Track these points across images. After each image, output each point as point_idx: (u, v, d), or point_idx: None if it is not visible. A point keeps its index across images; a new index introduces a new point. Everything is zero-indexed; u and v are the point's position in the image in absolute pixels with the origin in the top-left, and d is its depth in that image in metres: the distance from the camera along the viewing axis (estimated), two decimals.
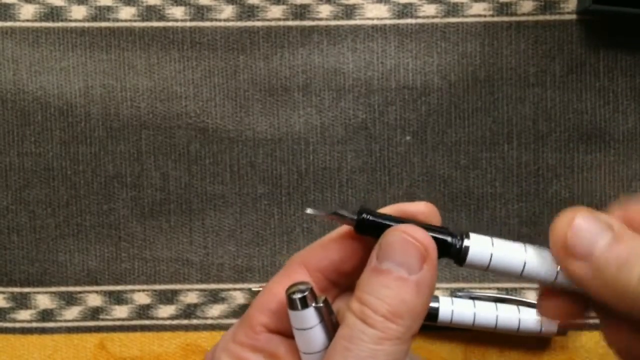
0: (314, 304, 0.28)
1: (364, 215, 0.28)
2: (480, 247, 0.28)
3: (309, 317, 0.28)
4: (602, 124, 0.44)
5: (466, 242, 0.28)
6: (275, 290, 0.29)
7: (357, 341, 0.25)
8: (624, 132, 0.44)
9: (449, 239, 0.28)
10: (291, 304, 0.28)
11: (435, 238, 0.28)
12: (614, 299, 0.26)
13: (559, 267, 0.28)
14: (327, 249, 0.29)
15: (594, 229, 0.26)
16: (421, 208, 0.29)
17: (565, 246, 0.26)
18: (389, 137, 0.44)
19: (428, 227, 0.28)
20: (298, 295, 0.28)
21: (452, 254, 0.28)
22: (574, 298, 0.28)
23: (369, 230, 0.28)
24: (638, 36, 0.44)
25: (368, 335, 0.25)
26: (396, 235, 0.27)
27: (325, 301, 0.28)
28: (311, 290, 0.28)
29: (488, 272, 0.29)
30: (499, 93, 0.44)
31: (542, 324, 0.43)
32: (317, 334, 0.28)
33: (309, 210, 0.28)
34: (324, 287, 0.29)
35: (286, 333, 0.29)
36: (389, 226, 0.28)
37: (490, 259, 0.28)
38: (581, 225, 0.26)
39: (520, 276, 0.28)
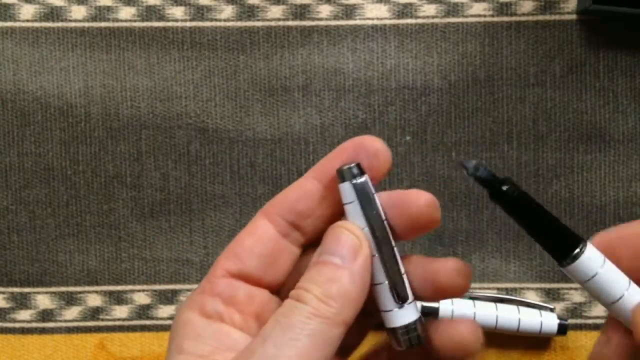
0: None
1: (508, 187, 0.26)
2: (592, 260, 0.27)
3: (368, 184, 0.27)
4: (602, 124, 0.44)
5: (584, 249, 0.27)
6: (242, 241, 0.29)
7: (290, 315, 0.26)
8: (624, 132, 0.44)
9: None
10: (346, 174, 0.28)
11: (562, 235, 0.27)
12: None
13: None
14: (285, 193, 0.30)
15: None
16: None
17: None
18: (389, 137, 0.44)
19: (550, 224, 0.27)
20: (352, 164, 0.28)
21: (563, 253, 0.27)
22: None
23: (503, 202, 0.27)
24: (638, 36, 0.44)
25: (299, 309, 0.26)
26: (335, 229, 0.28)
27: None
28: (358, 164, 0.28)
29: (585, 287, 0.28)
30: (499, 93, 0.44)
31: (542, 324, 0.43)
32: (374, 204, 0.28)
33: (465, 161, 0.27)
34: (284, 231, 0.29)
35: (248, 279, 0.29)
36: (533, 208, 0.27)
37: (594, 276, 0.27)
38: None
39: (609, 306, 0.27)
